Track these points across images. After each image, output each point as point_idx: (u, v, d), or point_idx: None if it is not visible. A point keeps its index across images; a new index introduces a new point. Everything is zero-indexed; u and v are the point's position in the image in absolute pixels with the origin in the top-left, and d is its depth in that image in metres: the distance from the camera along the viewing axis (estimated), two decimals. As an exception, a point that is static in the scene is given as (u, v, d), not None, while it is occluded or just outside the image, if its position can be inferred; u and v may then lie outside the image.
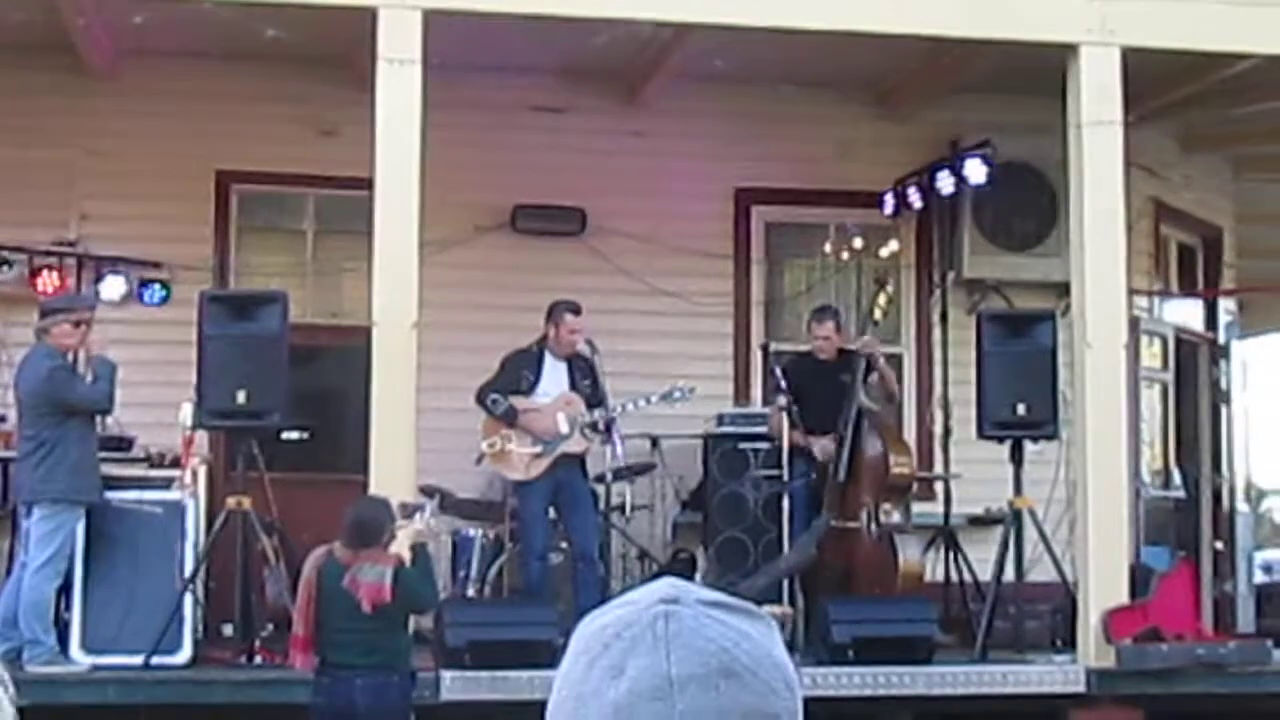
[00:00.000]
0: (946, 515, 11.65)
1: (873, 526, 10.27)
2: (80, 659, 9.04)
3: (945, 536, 11.40)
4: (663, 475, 11.63)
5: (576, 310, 10.21)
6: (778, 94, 12.30)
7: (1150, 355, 13.67)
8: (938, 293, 12.72)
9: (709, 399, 11.37)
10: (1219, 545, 14.07)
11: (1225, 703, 9.61)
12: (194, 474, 9.95)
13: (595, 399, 10.07)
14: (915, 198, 12.17)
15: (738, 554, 11.23)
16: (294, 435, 10.94)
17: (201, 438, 10.35)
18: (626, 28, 10.47)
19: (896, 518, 10.42)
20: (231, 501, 9.33)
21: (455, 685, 8.69)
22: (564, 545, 10.23)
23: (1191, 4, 9.98)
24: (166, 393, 10.28)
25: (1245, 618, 13.54)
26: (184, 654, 9.14)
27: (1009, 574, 10.09)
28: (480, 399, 10.07)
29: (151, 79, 11.74)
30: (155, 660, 8.94)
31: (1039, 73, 10.21)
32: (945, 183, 11.87)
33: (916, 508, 11.33)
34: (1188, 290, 14.53)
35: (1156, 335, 13.82)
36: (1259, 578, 15.21)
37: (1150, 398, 13.71)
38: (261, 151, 11.90)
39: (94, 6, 10.58)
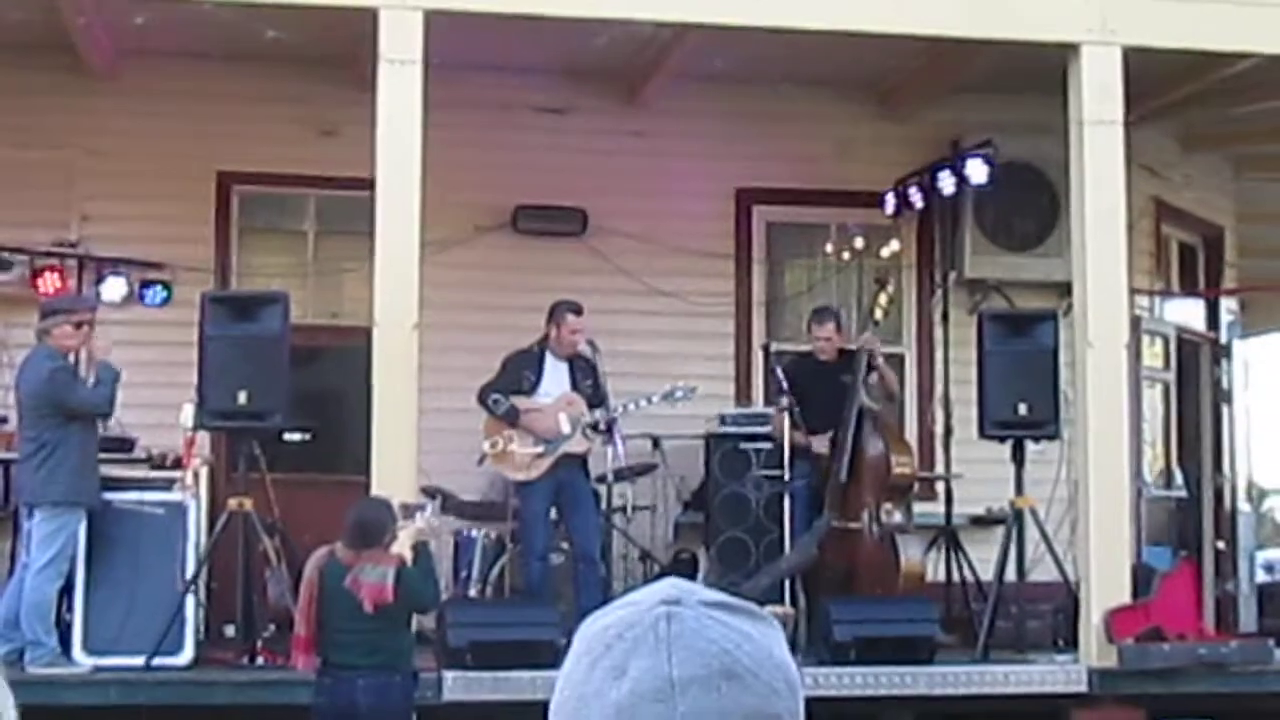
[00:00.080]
0: (948, 515, 11.63)
1: (874, 526, 10.28)
2: (82, 660, 9.04)
3: (947, 536, 11.37)
4: (664, 475, 11.62)
5: (578, 310, 10.20)
6: (778, 94, 12.29)
7: (1152, 355, 13.66)
8: (939, 293, 12.71)
9: (710, 399, 11.36)
10: (1221, 545, 14.07)
11: (1227, 702, 9.59)
12: (195, 475, 9.94)
13: (597, 399, 10.06)
14: (916, 197, 12.16)
15: (739, 554, 11.22)
16: (295, 436, 10.97)
17: (203, 439, 10.35)
18: (626, 28, 10.46)
19: (898, 518, 10.42)
20: (233, 502, 9.32)
21: (457, 685, 8.70)
22: (565, 546, 10.22)
23: (1192, 3, 9.98)
24: (168, 394, 10.25)
25: (1247, 617, 13.54)
26: (186, 655, 9.14)
27: (1010, 574, 10.08)
28: (482, 399, 10.06)
29: (152, 79, 11.73)
30: (157, 661, 8.94)
31: (1040, 72, 10.20)
32: (946, 182, 11.85)
33: (918, 508, 11.33)
34: (1189, 290, 14.52)
35: (1158, 335, 13.80)
36: (1261, 577, 15.20)
37: (1152, 397, 13.70)
38: (262, 152, 11.89)
39: (94, 6, 10.57)
